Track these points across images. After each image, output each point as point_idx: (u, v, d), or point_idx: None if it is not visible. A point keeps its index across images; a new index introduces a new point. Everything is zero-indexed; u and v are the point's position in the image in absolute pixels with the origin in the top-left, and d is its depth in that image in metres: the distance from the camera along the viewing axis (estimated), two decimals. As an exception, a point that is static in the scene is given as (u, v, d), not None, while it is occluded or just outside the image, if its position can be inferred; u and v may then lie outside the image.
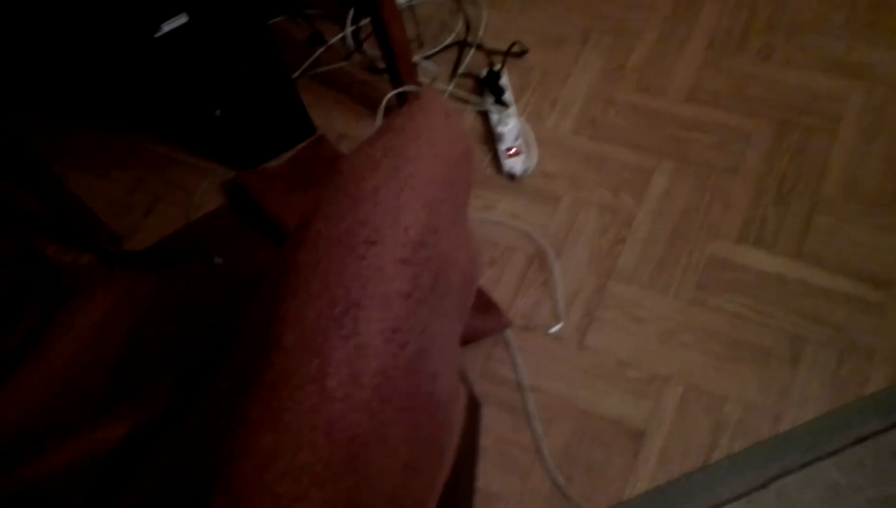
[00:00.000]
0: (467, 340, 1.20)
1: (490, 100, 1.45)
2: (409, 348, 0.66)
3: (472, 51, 1.55)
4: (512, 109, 1.44)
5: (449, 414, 0.79)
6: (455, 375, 0.83)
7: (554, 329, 1.20)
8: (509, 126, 1.38)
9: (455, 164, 0.77)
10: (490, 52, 1.54)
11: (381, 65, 1.56)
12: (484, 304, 1.22)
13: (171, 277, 1.31)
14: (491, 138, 1.42)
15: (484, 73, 1.49)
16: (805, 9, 1.45)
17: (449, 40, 1.58)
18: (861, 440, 1.00)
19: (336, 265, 0.65)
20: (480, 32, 1.58)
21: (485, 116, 1.46)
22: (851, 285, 1.15)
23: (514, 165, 1.36)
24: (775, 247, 1.20)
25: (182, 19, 1.16)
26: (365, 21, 1.65)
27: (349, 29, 1.64)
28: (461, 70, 1.53)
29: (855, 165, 1.26)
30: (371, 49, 1.61)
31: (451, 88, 1.51)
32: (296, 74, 1.60)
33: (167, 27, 1.16)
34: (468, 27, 1.59)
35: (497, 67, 1.48)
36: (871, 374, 1.07)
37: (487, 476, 1.08)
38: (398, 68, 1.36)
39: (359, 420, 0.62)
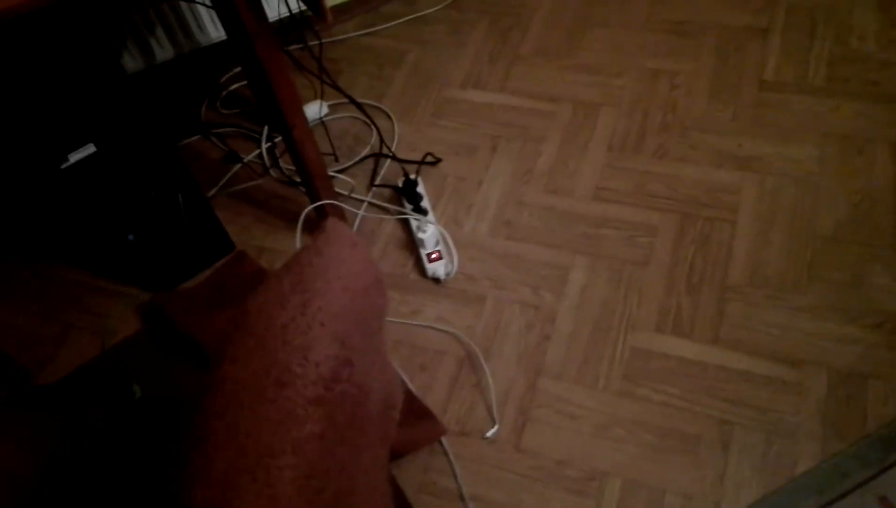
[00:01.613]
0: (403, 452, 1.17)
1: (409, 207, 1.48)
2: (326, 492, 0.63)
3: (388, 162, 1.59)
4: (430, 216, 1.47)
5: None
6: (385, 506, 0.80)
7: (490, 433, 1.19)
8: (429, 232, 1.40)
9: (365, 293, 0.77)
10: (405, 163, 1.58)
11: (299, 179, 1.57)
12: (418, 412, 1.20)
13: (84, 415, 1.23)
14: (412, 244, 1.44)
15: (401, 182, 1.52)
16: (694, 109, 1.57)
17: (364, 153, 1.62)
18: (797, 521, 1.01)
19: (244, 412, 0.62)
20: (394, 145, 1.62)
21: (405, 223, 1.48)
22: (769, 366, 1.19)
23: (437, 268, 1.38)
24: (693, 334, 1.25)
25: (89, 149, 1.15)
26: (280, 137, 1.67)
27: (264, 146, 1.66)
28: (378, 181, 1.57)
29: (757, 251, 1.33)
30: (287, 164, 1.62)
31: (369, 197, 1.53)
32: (212, 193, 1.59)
33: (74, 158, 1.14)
34: (381, 140, 1.63)
35: (413, 175, 1.52)
36: (799, 453, 1.10)
37: None
38: (314, 183, 1.37)
39: None
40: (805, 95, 1.55)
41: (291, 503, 0.60)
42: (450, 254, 1.41)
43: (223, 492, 0.58)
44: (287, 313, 0.69)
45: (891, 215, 1.34)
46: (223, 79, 1.82)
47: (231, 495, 0.58)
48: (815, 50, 1.63)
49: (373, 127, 1.66)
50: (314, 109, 1.66)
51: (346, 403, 0.68)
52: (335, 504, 0.65)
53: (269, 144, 1.66)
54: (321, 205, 1.42)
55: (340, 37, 1.87)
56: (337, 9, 1.88)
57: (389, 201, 1.53)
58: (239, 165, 1.64)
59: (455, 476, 1.15)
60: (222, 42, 1.78)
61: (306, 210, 1.45)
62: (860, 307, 1.24)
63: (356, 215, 1.51)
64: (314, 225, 1.50)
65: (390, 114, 1.69)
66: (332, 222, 0.79)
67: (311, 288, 0.71)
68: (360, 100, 1.71)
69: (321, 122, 1.66)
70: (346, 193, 1.54)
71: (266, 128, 1.68)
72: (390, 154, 1.60)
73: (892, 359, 1.17)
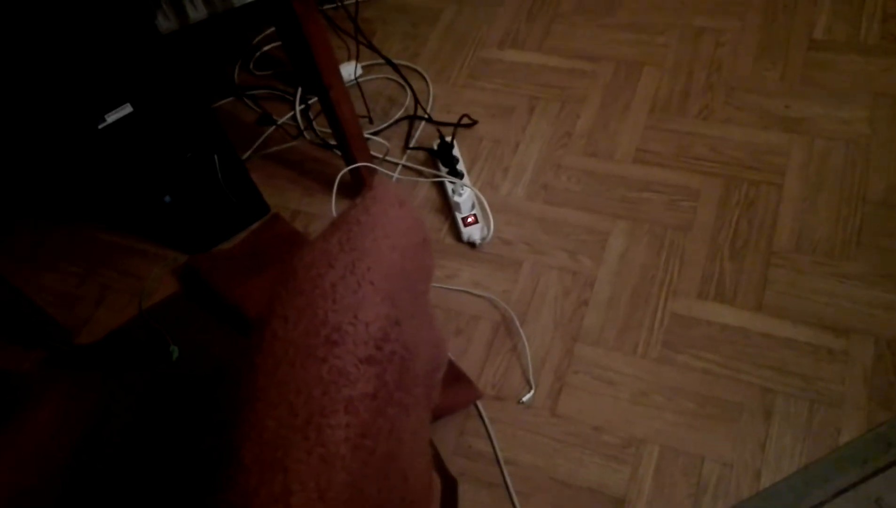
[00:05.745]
0: (439, 415, 1.17)
1: (444, 170, 1.46)
2: (377, 453, 0.63)
3: (423, 124, 1.57)
4: (466, 179, 1.44)
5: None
6: (427, 469, 0.79)
7: (526, 398, 1.18)
8: (464, 195, 1.38)
9: (412, 252, 0.75)
10: (440, 125, 1.56)
11: (333, 141, 1.56)
12: (454, 376, 1.19)
13: (123, 374, 1.25)
14: (447, 208, 1.43)
15: (436, 144, 1.50)
16: (740, 69, 1.52)
17: (399, 115, 1.60)
18: (841, 492, 0.99)
19: (295, 371, 0.61)
20: (429, 106, 1.60)
21: (440, 186, 1.46)
22: (814, 334, 1.16)
23: (473, 232, 1.36)
24: (736, 301, 1.22)
25: (126, 109, 1.14)
26: (314, 99, 1.65)
27: (298, 108, 1.64)
28: (413, 143, 1.55)
29: (803, 216, 1.29)
30: (322, 126, 1.61)
31: (403, 160, 1.52)
32: (246, 155, 1.58)
33: (111, 118, 1.14)
34: (416, 101, 1.61)
35: (448, 138, 1.49)
36: (843, 423, 1.07)
37: (469, 561, 1.04)
38: (349, 145, 1.36)
39: None
40: (856, 54, 1.49)
41: (345, 462, 0.59)
42: (486, 218, 1.39)
43: (274, 451, 0.58)
44: (336, 272, 0.67)
45: (946, 179, 1.29)
46: (256, 40, 1.80)
47: (282, 454, 0.58)
48: (867, 7, 1.56)
49: (407, 88, 1.63)
50: (348, 70, 1.63)
51: (395, 363, 0.67)
52: (384, 466, 0.64)
53: (302, 106, 1.65)
54: (356, 168, 1.41)
55: (374, -4, 1.84)
56: (370, -33, 1.84)
57: (424, 165, 1.51)
58: (273, 128, 1.63)
59: (490, 440, 1.14)
60: (256, 1, 1.76)
61: (342, 172, 1.43)
62: (911, 275, 1.20)
63: (391, 178, 1.49)
64: (349, 188, 1.49)
65: (425, 75, 1.66)
66: (378, 180, 0.78)
67: (359, 247, 0.69)
68: (394, 60, 1.68)
69: (356, 83, 1.64)
70: (380, 155, 1.53)
71: (299, 89, 1.67)
72: (425, 116, 1.58)
73: (944, 328, 1.14)
